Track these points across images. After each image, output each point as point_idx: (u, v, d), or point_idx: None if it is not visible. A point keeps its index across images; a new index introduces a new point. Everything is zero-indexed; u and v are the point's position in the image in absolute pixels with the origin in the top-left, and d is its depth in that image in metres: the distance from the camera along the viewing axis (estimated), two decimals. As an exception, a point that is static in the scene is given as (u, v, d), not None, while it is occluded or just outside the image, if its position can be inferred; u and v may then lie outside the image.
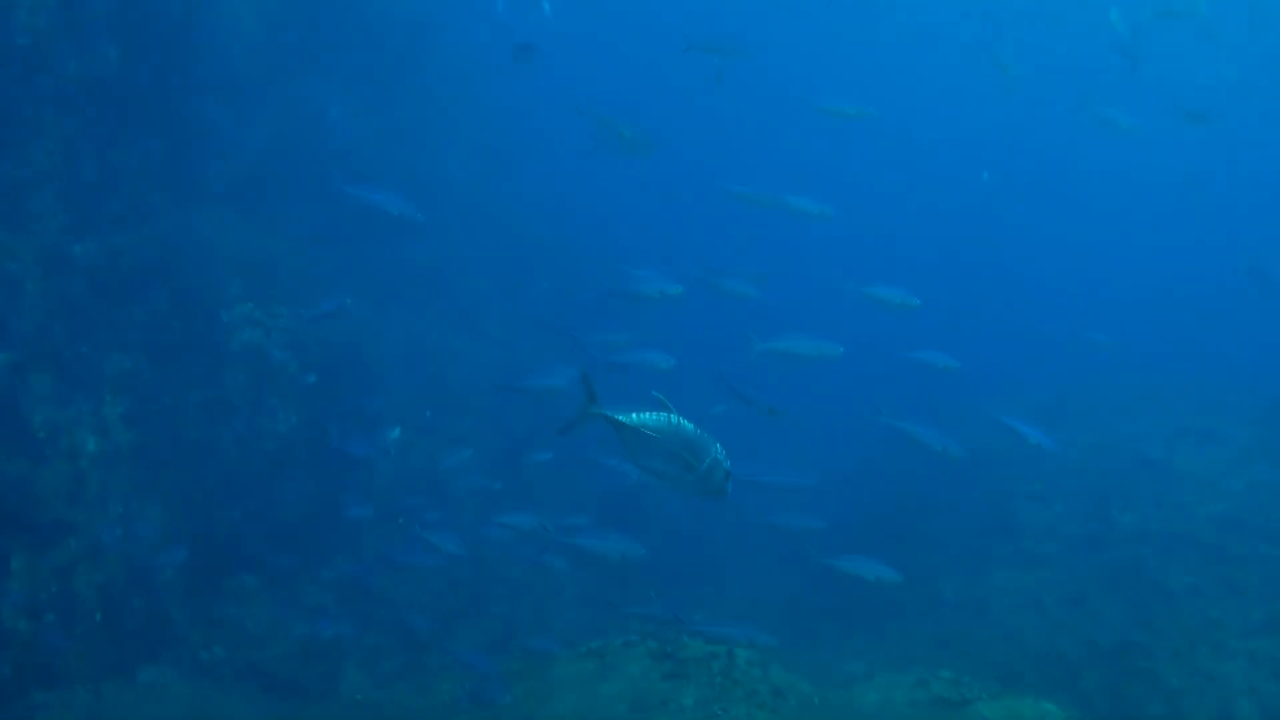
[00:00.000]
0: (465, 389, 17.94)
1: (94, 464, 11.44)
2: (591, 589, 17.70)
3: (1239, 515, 14.78)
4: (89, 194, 12.72)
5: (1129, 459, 17.33)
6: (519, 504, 18.80)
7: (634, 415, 5.38)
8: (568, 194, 29.49)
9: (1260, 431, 17.76)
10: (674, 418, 5.36)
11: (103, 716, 10.39)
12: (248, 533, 12.54)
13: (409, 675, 12.98)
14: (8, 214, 11.76)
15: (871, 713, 9.64)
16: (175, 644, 11.69)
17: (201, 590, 12.02)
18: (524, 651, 10.60)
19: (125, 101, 13.29)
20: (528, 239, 26.13)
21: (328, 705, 12.39)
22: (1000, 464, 18.74)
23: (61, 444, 11.24)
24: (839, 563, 9.11)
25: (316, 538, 13.95)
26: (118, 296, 12.48)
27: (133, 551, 11.32)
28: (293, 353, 13.07)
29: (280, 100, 17.86)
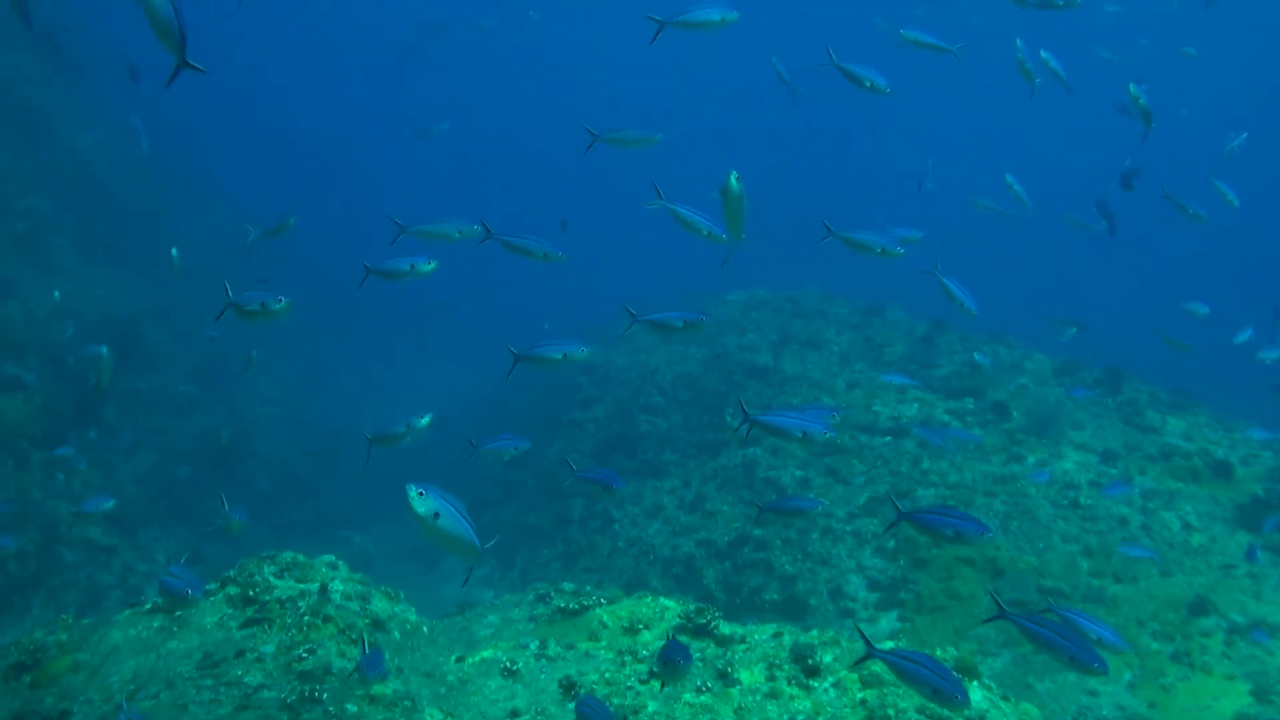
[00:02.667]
0: (21, 326, 15.45)
1: None
2: (185, 543, 15.94)
3: (841, 410, 15.39)
4: None
5: (740, 368, 17.69)
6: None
7: None
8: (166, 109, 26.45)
9: (857, 335, 18.78)
10: None
11: None
12: None
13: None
14: None
15: (488, 635, 8.90)
16: None
17: None
18: (76, 617, 8.86)
19: None
20: (116, 156, 22.98)
21: None
22: (618, 383, 18.73)
23: None
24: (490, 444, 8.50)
25: None
26: None
27: None
28: None
29: None
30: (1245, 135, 13.99)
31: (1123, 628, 10.69)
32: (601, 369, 19.62)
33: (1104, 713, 9.29)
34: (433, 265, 8.16)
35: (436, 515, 5.18)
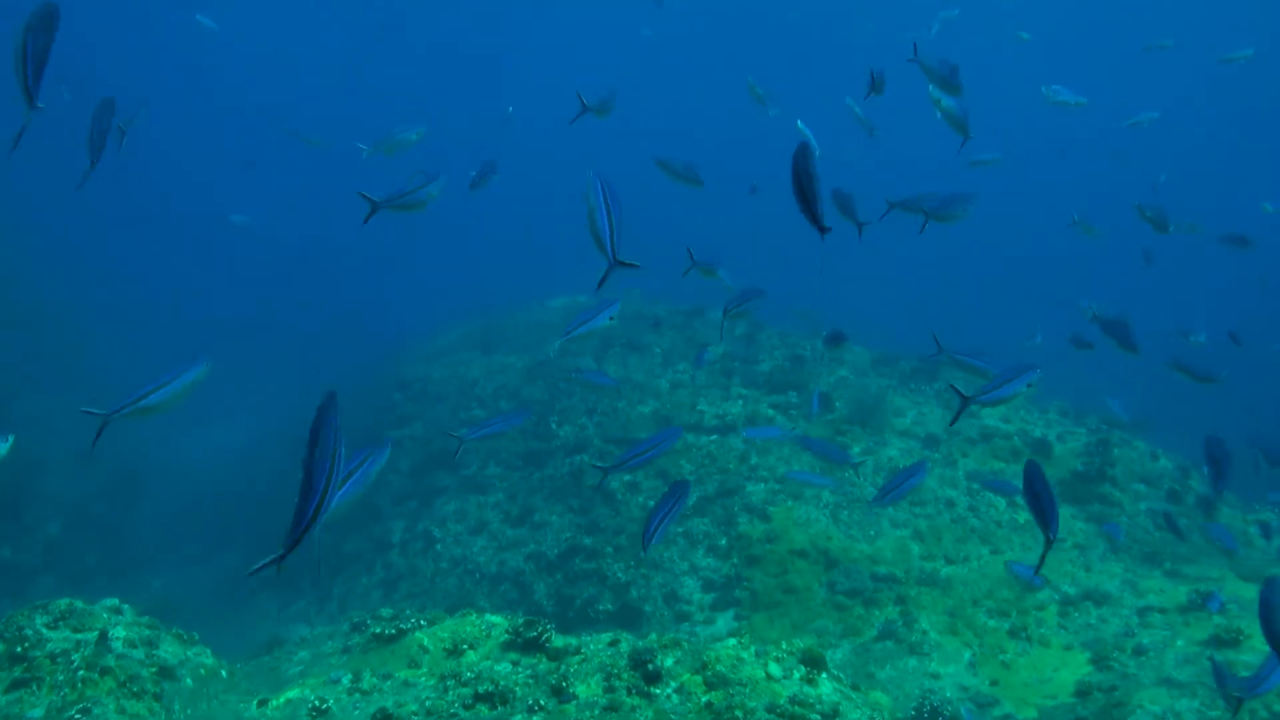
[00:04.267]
0: None
1: None
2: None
3: (667, 411, 15.11)
4: None
5: (562, 376, 17.21)
6: None
7: None
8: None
9: (679, 336, 18.56)
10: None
11: None
12: None
13: None
14: None
15: (297, 673, 8.09)
16: None
17: None
18: None
19: None
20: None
21: None
22: (436, 397, 18.02)
23: None
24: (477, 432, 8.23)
25: None
26: None
27: None
28: None
29: None
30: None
31: (959, 608, 10.67)
32: (419, 384, 18.81)
33: (948, 694, 9.17)
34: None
35: None
